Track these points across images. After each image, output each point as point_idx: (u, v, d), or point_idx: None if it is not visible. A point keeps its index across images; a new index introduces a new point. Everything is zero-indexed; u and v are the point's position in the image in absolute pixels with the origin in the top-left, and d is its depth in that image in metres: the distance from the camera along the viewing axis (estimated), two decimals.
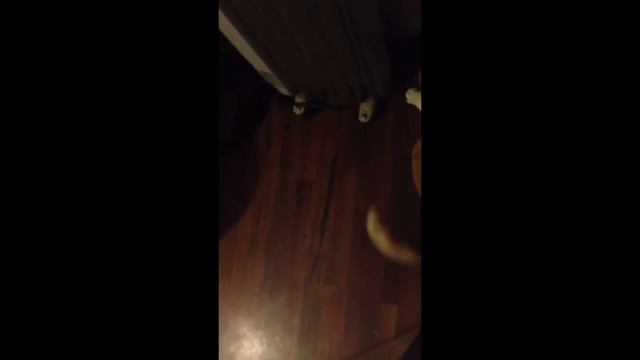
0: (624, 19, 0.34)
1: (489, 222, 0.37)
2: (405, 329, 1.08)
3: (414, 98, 1.19)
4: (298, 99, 1.27)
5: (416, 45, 1.13)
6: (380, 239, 0.97)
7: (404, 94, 1.19)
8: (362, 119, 1.23)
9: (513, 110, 0.37)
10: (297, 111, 1.29)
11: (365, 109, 1.22)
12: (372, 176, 1.21)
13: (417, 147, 1.12)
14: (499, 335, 0.37)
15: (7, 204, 0.37)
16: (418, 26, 1.33)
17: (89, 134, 0.38)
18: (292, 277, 1.22)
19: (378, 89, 1.16)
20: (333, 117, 1.29)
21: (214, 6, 0.40)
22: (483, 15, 0.37)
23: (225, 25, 0.87)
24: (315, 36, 0.88)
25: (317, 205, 1.25)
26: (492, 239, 0.37)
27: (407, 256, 0.97)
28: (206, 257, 0.41)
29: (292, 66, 1.07)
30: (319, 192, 1.26)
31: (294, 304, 1.20)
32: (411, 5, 1.08)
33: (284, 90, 1.24)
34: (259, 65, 1.08)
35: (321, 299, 1.18)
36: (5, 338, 0.37)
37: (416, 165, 1.09)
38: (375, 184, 1.20)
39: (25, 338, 0.37)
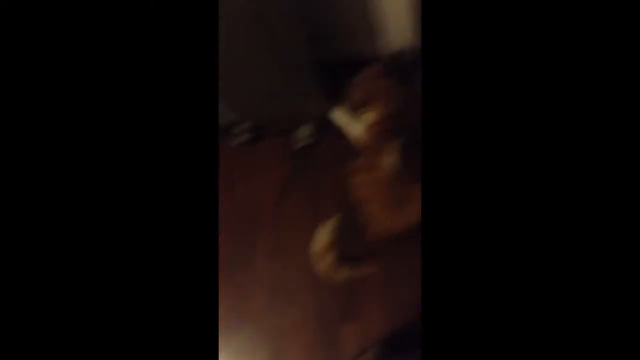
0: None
1: (488, 220, 0.37)
2: (368, 347, 1.07)
3: (342, 119, 1.21)
4: (239, 127, 1.27)
5: (348, 68, 1.17)
6: (323, 264, 1.08)
7: (334, 114, 1.22)
8: (303, 142, 1.25)
9: (512, 109, 0.37)
10: (240, 140, 1.29)
11: (306, 132, 1.24)
12: (316, 197, 1.23)
13: (359, 162, 1.14)
14: (498, 334, 0.37)
15: (6, 204, 0.36)
16: (351, 49, 1.36)
17: (86, 136, 0.38)
18: (252, 311, 1.19)
19: (316, 112, 1.18)
20: (275, 142, 1.30)
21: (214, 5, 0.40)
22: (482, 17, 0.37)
23: None
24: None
25: (268, 232, 1.24)
26: (491, 237, 0.37)
27: (343, 276, 1.11)
28: (206, 260, 0.41)
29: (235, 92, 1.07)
30: (269, 218, 1.25)
31: (258, 337, 1.16)
32: (343, 29, 1.12)
33: (227, 116, 1.23)
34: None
35: (282, 329, 1.15)
36: (5, 338, 0.36)
37: (357, 181, 1.11)
38: (320, 203, 1.21)
39: (25, 338, 0.36)
